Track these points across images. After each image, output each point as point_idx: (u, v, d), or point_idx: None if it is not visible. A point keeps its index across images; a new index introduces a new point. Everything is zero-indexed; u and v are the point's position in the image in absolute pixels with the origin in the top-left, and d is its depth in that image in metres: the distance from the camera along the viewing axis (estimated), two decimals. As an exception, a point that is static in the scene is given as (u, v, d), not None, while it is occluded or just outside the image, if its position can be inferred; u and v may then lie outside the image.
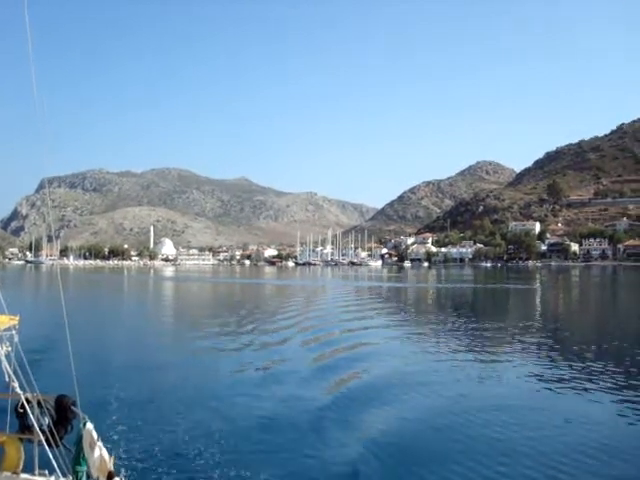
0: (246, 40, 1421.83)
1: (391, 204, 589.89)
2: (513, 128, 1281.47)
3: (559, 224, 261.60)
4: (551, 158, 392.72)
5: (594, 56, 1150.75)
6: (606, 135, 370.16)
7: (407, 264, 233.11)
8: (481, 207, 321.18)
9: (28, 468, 5.73)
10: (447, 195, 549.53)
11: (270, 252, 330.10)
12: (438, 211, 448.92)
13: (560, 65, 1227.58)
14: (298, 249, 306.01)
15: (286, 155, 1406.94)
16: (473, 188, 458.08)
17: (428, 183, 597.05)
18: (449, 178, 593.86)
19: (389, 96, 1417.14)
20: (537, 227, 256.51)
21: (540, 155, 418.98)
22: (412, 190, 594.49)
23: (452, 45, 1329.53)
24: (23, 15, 4.87)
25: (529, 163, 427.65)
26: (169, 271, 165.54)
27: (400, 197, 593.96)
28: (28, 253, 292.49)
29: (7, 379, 4.64)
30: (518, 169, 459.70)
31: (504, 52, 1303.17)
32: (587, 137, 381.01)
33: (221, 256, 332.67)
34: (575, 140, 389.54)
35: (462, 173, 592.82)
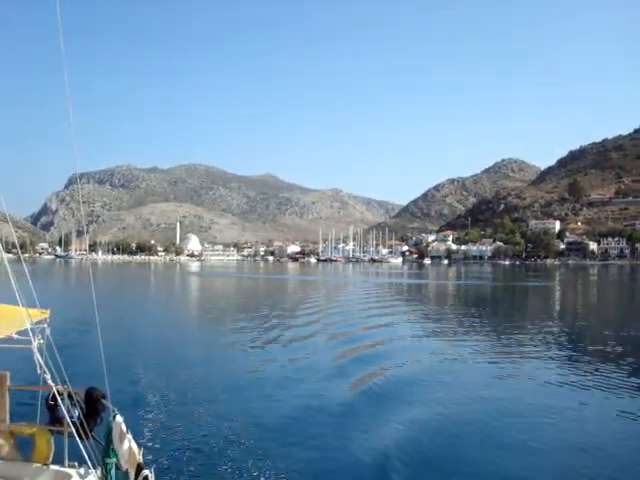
0: (276, 41, 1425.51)
1: (415, 201, 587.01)
2: (540, 126, 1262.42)
3: (579, 223, 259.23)
4: (574, 157, 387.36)
5: (619, 54, 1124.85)
6: (629, 134, 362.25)
7: (427, 261, 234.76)
8: (502, 205, 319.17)
9: (58, 460, 5.82)
10: (471, 193, 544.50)
11: (293, 248, 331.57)
12: (462, 209, 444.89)
13: (589, 62, 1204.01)
14: (320, 246, 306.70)
15: (312, 152, 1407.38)
16: (498, 186, 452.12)
17: (453, 181, 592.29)
18: (474, 176, 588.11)
19: (415, 92, 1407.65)
20: (557, 226, 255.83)
21: (564, 154, 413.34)
22: (436, 187, 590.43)
23: (480, 42, 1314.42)
24: (55, 11, 4.93)
25: (554, 161, 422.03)
26: (195, 266, 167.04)
27: (424, 194, 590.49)
28: (58, 248, 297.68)
29: (39, 371, 4.70)
30: (544, 167, 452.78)
31: (533, 49, 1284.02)
32: (611, 136, 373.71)
33: (245, 252, 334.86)
34: (599, 139, 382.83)
35: (487, 171, 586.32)
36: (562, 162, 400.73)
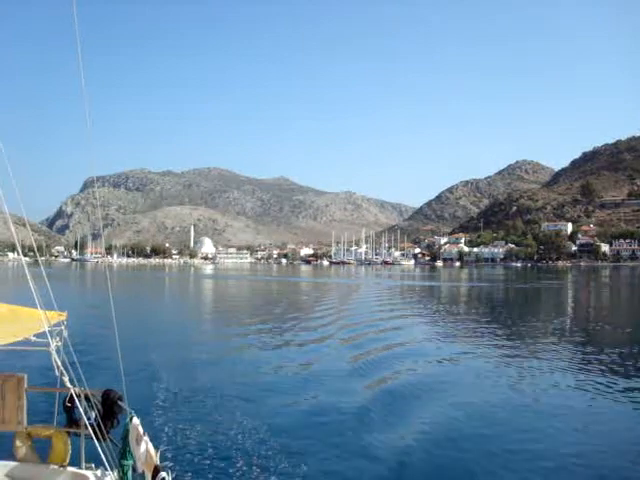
0: (290, 43, 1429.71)
1: (429, 203, 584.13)
2: (555, 127, 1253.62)
3: (591, 225, 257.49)
4: (587, 158, 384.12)
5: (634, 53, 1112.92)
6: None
7: (439, 263, 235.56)
8: (514, 207, 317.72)
9: (75, 461, 5.85)
10: (485, 195, 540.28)
11: (306, 251, 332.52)
12: (476, 211, 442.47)
13: (603, 63, 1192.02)
14: (333, 248, 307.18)
15: (326, 154, 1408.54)
16: (511, 188, 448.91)
17: (466, 183, 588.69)
18: (487, 177, 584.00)
19: (429, 95, 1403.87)
20: (569, 228, 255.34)
21: (577, 155, 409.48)
22: (450, 190, 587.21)
23: (494, 46, 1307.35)
24: (72, 16, 4.97)
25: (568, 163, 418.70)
26: (208, 269, 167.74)
27: (438, 197, 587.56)
28: (73, 251, 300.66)
29: (57, 373, 4.72)
30: (558, 169, 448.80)
31: (547, 51, 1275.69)
32: (624, 137, 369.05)
33: (259, 255, 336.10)
34: (612, 140, 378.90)
35: (501, 172, 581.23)
36: (575, 163, 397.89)
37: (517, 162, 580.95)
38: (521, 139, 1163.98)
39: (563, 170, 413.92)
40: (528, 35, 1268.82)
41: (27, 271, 4.02)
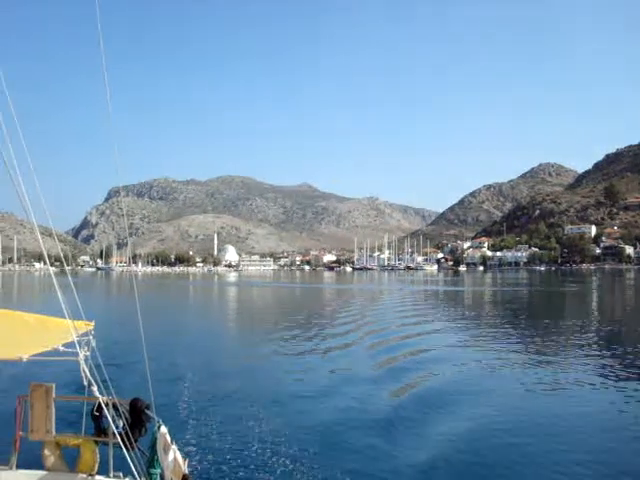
0: (309, 52, 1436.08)
1: (452, 208, 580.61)
2: (578, 129, 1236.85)
3: (615, 227, 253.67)
4: (610, 160, 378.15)
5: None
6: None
7: (462, 268, 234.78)
8: (537, 211, 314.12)
9: (103, 470, 5.86)
10: (508, 198, 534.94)
11: (329, 257, 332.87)
12: (499, 214, 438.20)
13: (624, 63, 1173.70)
14: (356, 254, 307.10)
15: (348, 160, 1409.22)
16: (535, 191, 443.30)
17: (489, 187, 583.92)
18: (510, 181, 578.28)
19: (450, 98, 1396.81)
20: (593, 230, 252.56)
21: (600, 157, 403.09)
22: (473, 194, 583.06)
23: (513, 47, 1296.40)
24: (96, 23, 5.01)
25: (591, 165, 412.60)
26: (232, 276, 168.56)
27: (461, 201, 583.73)
28: (99, 260, 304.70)
29: (85, 382, 4.73)
30: (581, 171, 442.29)
31: (568, 52, 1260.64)
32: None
33: (282, 262, 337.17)
34: (636, 141, 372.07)
35: (524, 176, 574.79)
36: (598, 166, 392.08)
37: (540, 165, 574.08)
38: (544, 142, 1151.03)
39: (586, 172, 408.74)
40: (545, 36, 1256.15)
41: (55, 281, 4.09)
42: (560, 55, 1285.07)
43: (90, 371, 4.84)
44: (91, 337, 5.51)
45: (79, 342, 4.82)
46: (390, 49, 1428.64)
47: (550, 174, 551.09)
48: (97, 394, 4.62)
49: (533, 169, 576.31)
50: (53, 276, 4.13)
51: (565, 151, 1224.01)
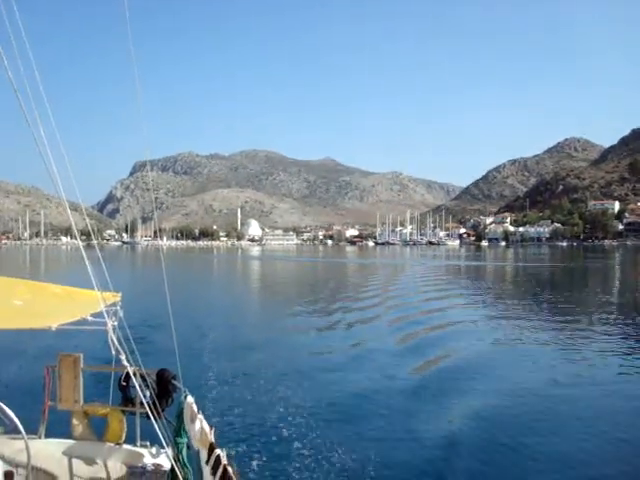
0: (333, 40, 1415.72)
1: (476, 183, 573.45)
2: (605, 103, 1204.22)
3: (639, 203, 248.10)
4: (637, 135, 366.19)
5: None
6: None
7: (484, 243, 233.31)
8: (561, 186, 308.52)
9: (130, 439, 5.94)
10: (533, 173, 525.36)
11: (352, 232, 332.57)
12: (523, 190, 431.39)
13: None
14: (378, 229, 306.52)
15: (372, 135, 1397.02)
16: (560, 166, 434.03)
17: (514, 161, 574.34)
18: (536, 156, 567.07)
19: (476, 72, 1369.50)
20: (616, 206, 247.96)
21: (626, 132, 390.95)
22: (497, 169, 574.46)
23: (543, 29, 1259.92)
24: (123, 7, 4.94)
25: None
26: (255, 251, 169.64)
27: (485, 176, 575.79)
28: (124, 234, 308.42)
29: (113, 352, 4.78)
30: (608, 146, 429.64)
31: (595, 28, 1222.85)
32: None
33: (305, 236, 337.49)
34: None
35: (549, 151, 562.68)
36: (624, 141, 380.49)
37: (566, 140, 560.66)
38: (571, 116, 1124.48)
39: (612, 148, 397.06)
40: (576, 18, 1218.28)
41: (84, 253, 4.16)
42: (587, 34, 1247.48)
43: (118, 341, 4.88)
44: (119, 307, 5.55)
45: (107, 312, 4.86)
46: (420, 15, 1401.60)
47: (576, 149, 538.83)
48: (125, 363, 4.66)
49: (559, 144, 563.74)
50: (82, 249, 4.17)
51: (592, 126, 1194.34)
